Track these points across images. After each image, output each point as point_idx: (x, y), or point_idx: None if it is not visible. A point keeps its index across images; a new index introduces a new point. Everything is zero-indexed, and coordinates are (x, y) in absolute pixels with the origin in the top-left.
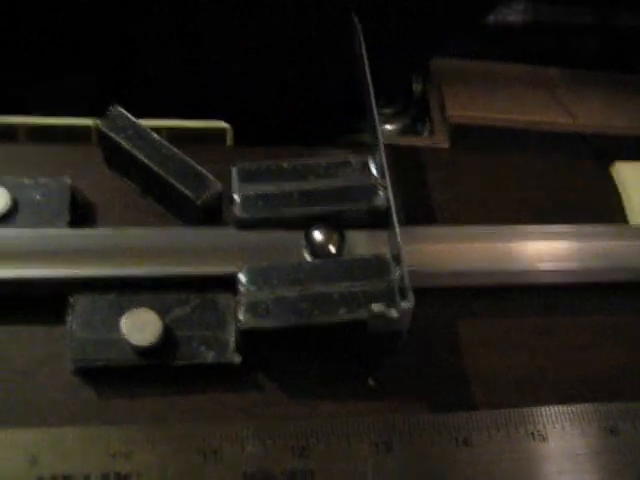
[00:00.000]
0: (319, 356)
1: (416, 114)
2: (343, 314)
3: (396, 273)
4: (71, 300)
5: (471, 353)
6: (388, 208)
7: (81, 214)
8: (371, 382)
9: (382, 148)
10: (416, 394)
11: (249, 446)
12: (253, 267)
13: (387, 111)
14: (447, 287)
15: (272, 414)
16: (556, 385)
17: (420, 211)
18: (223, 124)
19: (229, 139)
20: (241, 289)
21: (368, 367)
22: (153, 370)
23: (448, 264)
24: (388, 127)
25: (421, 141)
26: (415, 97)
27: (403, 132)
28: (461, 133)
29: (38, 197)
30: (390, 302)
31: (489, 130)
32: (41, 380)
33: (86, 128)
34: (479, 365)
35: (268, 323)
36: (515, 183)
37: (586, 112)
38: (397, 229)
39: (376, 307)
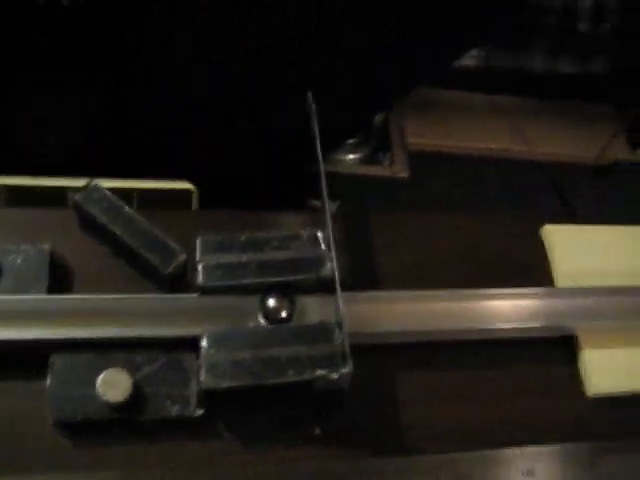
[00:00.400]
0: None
1: (377, 144)
2: (291, 375)
3: (339, 339)
4: (50, 359)
5: (407, 404)
6: (333, 278)
7: (59, 275)
8: (317, 430)
9: (329, 223)
10: (358, 442)
11: None
12: (214, 332)
13: (349, 141)
14: (386, 345)
15: (229, 461)
16: (479, 432)
17: (367, 274)
18: (189, 186)
19: (195, 201)
20: (203, 352)
21: (316, 417)
22: (125, 423)
23: (386, 324)
24: (350, 156)
25: (381, 170)
26: (376, 127)
27: (364, 161)
28: (421, 161)
29: (19, 262)
30: (332, 366)
31: (448, 158)
32: (23, 430)
33: (62, 190)
34: (415, 415)
35: (225, 383)
36: (454, 245)
37: (541, 140)
38: (340, 298)
39: (319, 372)
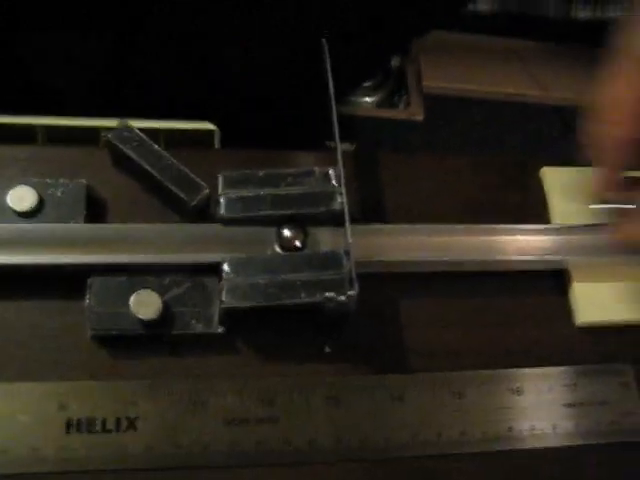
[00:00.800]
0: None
1: (393, 87)
2: (303, 297)
3: (347, 266)
4: (89, 281)
5: (409, 328)
6: (343, 211)
7: (95, 207)
8: (327, 349)
9: (341, 161)
10: (362, 360)
11: (229, 398)
12: (234, 259)
13: (367, 84)
14: (391, 273)
15: (247, 373)
16: (474, 355)
17: (376, 208)
18: (211, 126)
19: (216, 141)
20: (224, 276)
21: (325, 337)
22: (154, 337)
23: (391, 254)
24: (367, 99)
25: (397, 113)
26: (393, 70)
27: (381, 104)
28: (436, 104)
29: (59, 194)
30: (340, 289)
31: (463, 101)
32: (66, 343)
33: (95, 130)
34: (416, 338)
35: (245, 303)
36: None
37: (556, 84)
38: (348, 230)
39: (328, 294)
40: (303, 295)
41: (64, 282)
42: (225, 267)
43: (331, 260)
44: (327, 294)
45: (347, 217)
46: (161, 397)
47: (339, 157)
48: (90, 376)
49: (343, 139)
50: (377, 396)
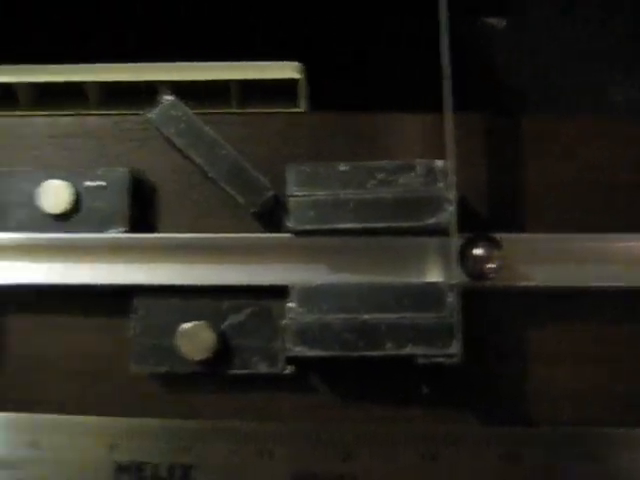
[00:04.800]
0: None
1: None
2: (388, 349)
3: (451, 306)
4: (135, 303)
5: (533, 364)
6: (450, 226)
7: (140, 203)
8: (424, 389)
9: (451, 144)
10: (469, 406)
11: (299, 448)
12: (303, 287)
13: None
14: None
15: (323, 416)
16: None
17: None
18: (295, 74)
19: (301, 92)
20: (290, 313)
21: (422, 374)
22: (210, 375)
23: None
24: None
25: None
26: None
27: None
28: None
29: (98, 190)
30: (437, 342)
31: None
32: (112, 373)
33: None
34: (537, 378)
35: (313, 352)
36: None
37: None
38: (454, 254)
39: (420, 349)
40: (388, 346)
41: (111, 297)
42: (291, 299)
43: (429, 296)
44: (419, 349)
45: (455, 235)
46: (220, 443)
47: (450, 147)
48: (140, 412)
49: None
50: (486, 454)
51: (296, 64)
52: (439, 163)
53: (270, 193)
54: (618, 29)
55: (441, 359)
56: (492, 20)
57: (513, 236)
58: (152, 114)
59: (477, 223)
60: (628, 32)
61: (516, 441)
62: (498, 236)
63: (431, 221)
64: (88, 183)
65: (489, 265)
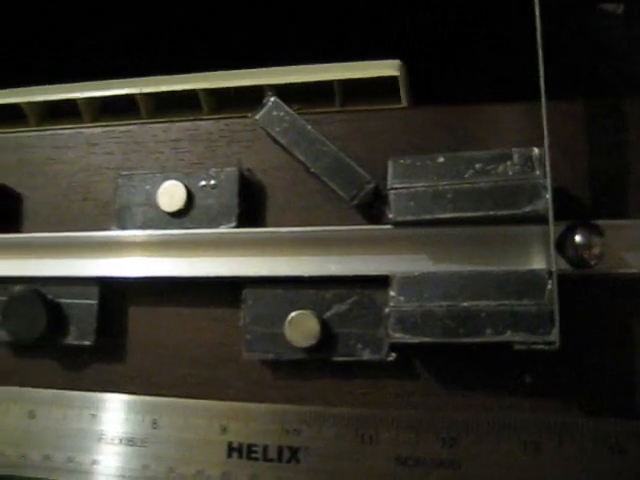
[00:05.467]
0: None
1: None
2: (488, 335)
3: (549, 294)
4: (244, 294)
5: (631, 353)
6: (548, 213)
7: (250, 201)
8: (527, 378)
9: (547, 143)
10: (575, 396)
11: (403, 433)
12: (404, 276)
13: None
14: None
15: (427, 403)
16: None
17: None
18: (394, 72)
19: (403, 88)
20: (392, 302)
21: (524, 362)
22: (316, 362)
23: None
24: None
25: None
26: None
27: None
28: None
29: (209, 189)
30: (535, 329)
31: None
32: (225, 358)
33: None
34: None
35: (416, 339)
36: None
37: None
38: (552, 239)
39: (519, 336)
40: (488, 332)
41: (223, 288)
42: (393, 287)
43: (529, 284)
44: (518, 336)
45: (551, 219)
46: (326, 427)
47: (545, 138)
48: (251, 396)
49: None
50: (591, 446)
51: (396, 62)
52: (536, 151)
53: (371, 186)
54: None
55: (540, 346)
56: (610, 6)
57: (615, 222)
58: (258, 116)
59: (579, 210)
60: None
61: (621, 433)
62: (600, 223)
63: (528, 209)
64: (201, 183)
65: (590, 252)
